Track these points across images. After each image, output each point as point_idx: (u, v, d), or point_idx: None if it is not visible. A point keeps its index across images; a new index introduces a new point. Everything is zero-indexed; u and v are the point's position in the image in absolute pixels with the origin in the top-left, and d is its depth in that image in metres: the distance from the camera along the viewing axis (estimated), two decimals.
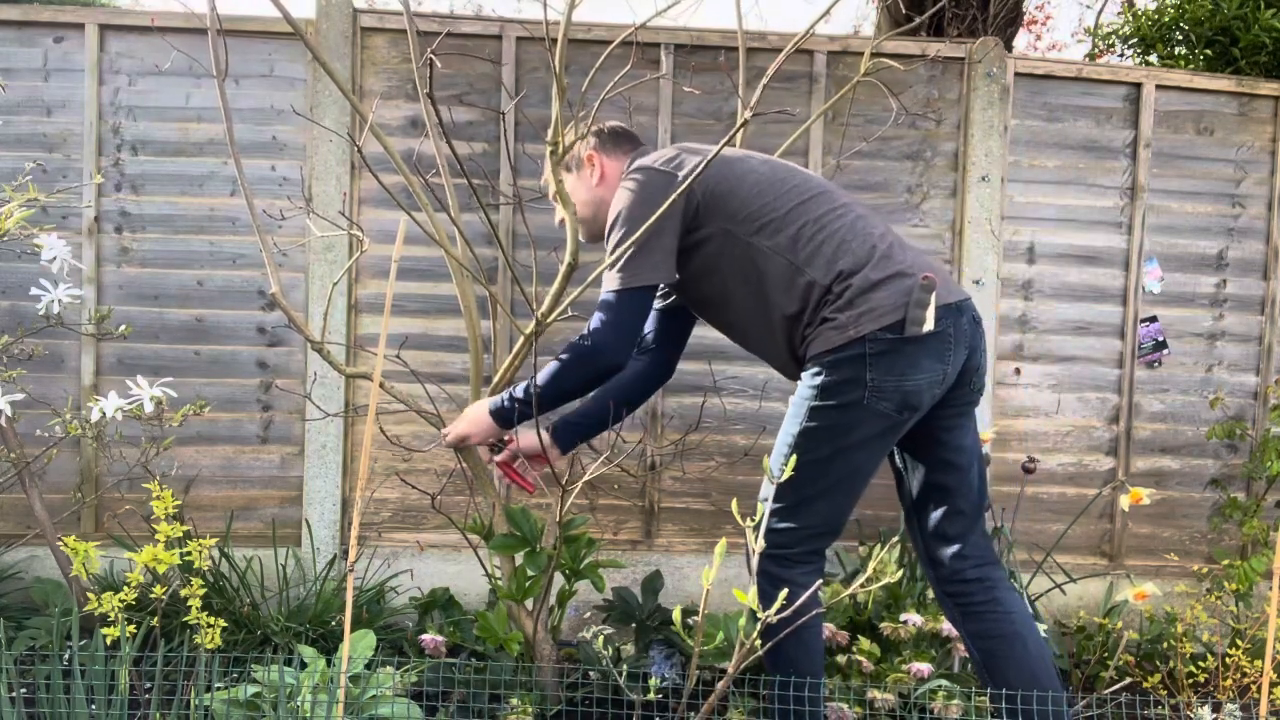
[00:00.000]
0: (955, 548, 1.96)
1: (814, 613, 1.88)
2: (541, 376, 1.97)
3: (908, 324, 1.78)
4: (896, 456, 2.05)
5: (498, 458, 2.24)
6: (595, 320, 1.93)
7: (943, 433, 1.94)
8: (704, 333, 3.19)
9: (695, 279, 1.99)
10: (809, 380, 1.87)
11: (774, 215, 1.89)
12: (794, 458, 1.85)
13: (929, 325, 1.78)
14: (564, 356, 1.96)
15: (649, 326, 2.23)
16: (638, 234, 1.84)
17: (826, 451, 1.86)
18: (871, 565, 1.62)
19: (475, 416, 2.12)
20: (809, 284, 1.85)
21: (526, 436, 2.19)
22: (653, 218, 1.81)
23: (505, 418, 2.08)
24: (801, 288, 1.86)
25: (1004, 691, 1.89)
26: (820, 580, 1.88)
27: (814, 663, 1.91)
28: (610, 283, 1.92)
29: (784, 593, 1.66)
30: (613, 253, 1.90)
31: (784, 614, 1.73)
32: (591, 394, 2.20)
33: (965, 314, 1.87)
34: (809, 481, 1.86)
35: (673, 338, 2.26)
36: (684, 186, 1.77)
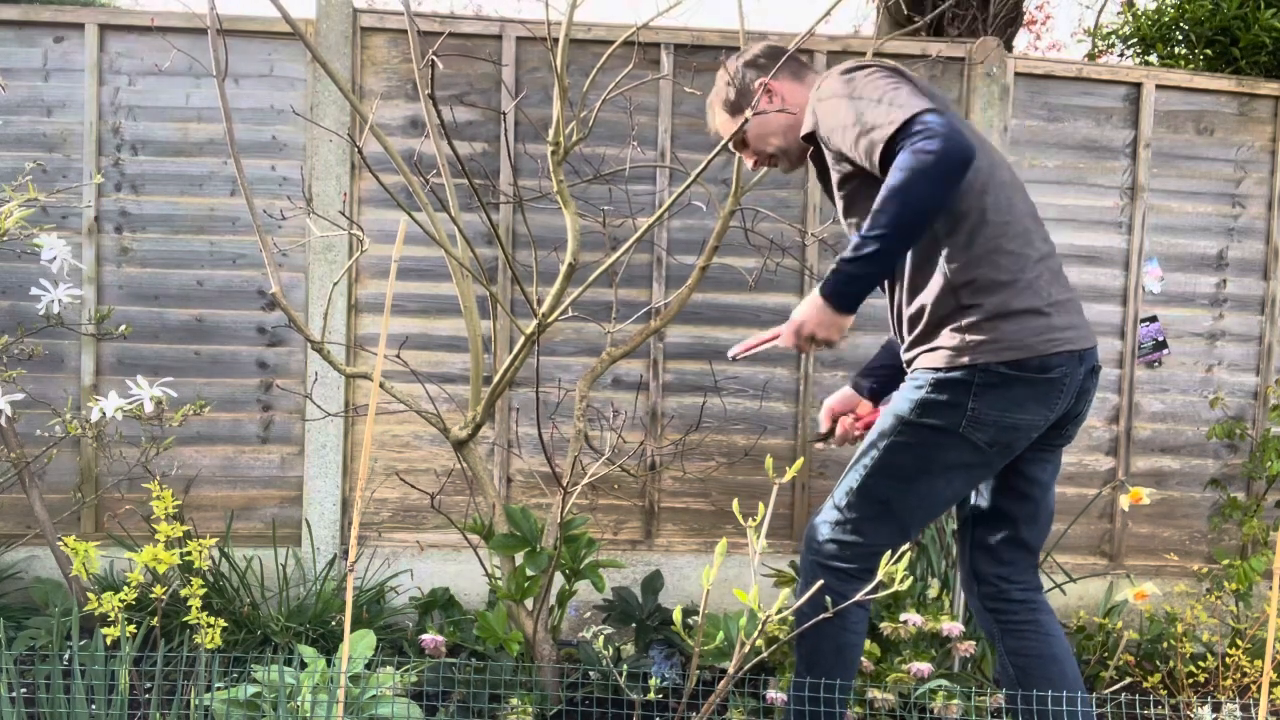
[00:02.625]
0: (1004, 570, 1.93)
1: (859, 630, 1.87)
2: (879, 216, 1.58)
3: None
4: None
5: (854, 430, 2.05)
6: (912, 139, 1.57)
7: (1023, 464, 1.89)
8: (704, 332, 3.20)
9: (851, 208, 1.83)
10: (910, 394, 1.80)
11: None
12: (876, 472, 1.81)
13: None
14: (899, 178, 1.55)
15: None
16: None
17: (911, 472, 1.80)
18: (882, 570, 1.61)
19: (807, 308, 1.70)
20: (942, 273, 1.74)
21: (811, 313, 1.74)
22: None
23: (843, 295, 1.66)
24: (931, 274, 1.75)
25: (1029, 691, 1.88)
26: (866, 596, 1.85)
27: (849, 676, 1.88)
28: (893, 122, 1.60)
29: (797, 590, 1.64)
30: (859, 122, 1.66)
31: (820, 620, 1.71)
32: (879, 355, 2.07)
33: (1086, 364, 1.78)
34: (886, 500, 1.82)
35: None
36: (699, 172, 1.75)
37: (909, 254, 1.79)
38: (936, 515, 1.87)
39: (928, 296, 1.77)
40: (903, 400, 1.81)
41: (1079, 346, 1.75)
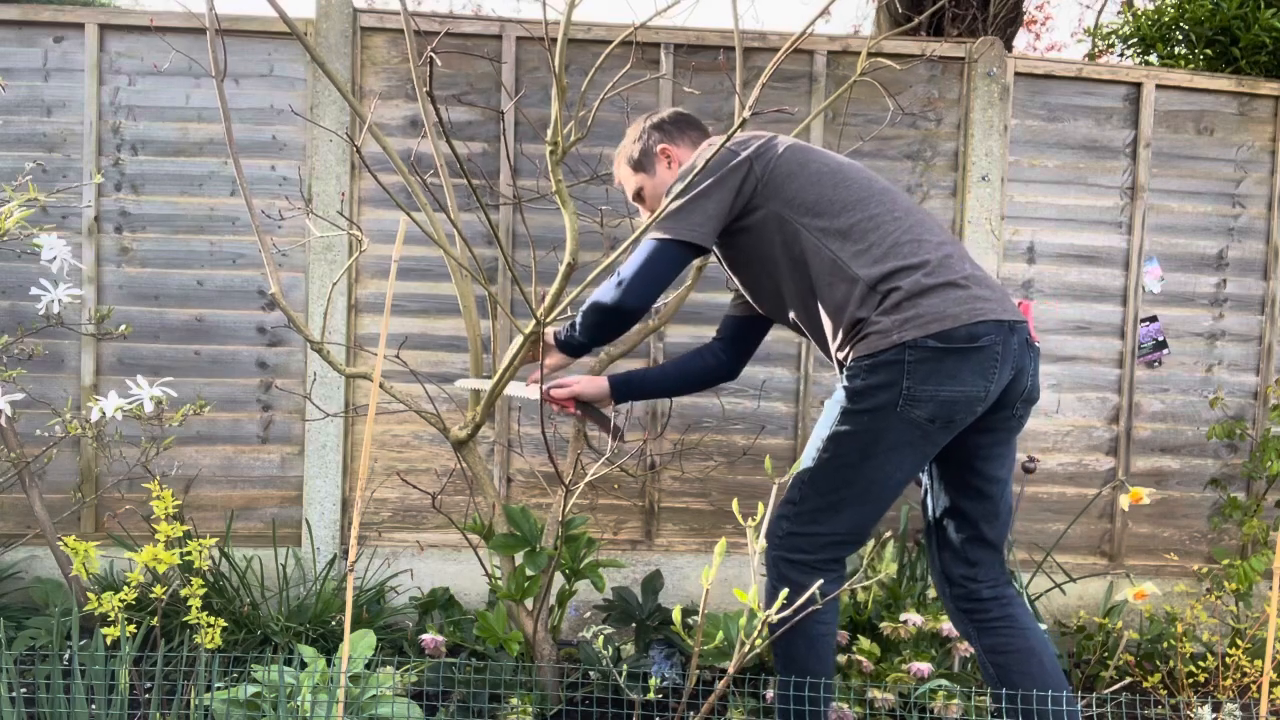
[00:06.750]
0: (971, 570, 1.95)
1: (829, 620, 1.87)
2: (585, 317, 2.01)
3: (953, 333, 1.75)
4: (926, 472, 2.02)
5: (557, 395, 2.24)
6: (629, 263, 1.91)
7: (978, 460, 1.91)
8: (703, 332, 3.19)
9: (748, 260, 1.97)
10: (845, 383, 1.84)
11: (828, 206, 1.85)
12: (823, 462, 1.84)
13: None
14: (597, 292, 1.96)
15: (726, 327, 2.27)
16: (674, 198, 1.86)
17: (855, 458, 1.83)
18: (865, 559, 1.62)
19: (549, 348, 2.16)
20: (853, 280, 1.81)
21: (590, 381, 2.24)
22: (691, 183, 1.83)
23: (566, 345, 2.12)
24: (845, 284, 1.82)
25: (1020, 692, 1.88)
26: (838, 589, 1.85)
27: (825, 669, 1.90)
28: (653, 231, 1.90)
29: (784, 592, 1.65)
30: (663, 208, 1.91)
31: (796, 616, 1.72)
32: (661, 365, 2.37)
33: (1017, 334, 1.81)
34: (836, 488, 1.85)
35: (745, 342, 2.28)
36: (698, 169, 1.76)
37: (821, 289, 1.88)
38: (889, 499, 1.89)
39: (851, 305, 1.83)
40: (841, 392, 1.86)
41: (1004, 317, 1.79)
